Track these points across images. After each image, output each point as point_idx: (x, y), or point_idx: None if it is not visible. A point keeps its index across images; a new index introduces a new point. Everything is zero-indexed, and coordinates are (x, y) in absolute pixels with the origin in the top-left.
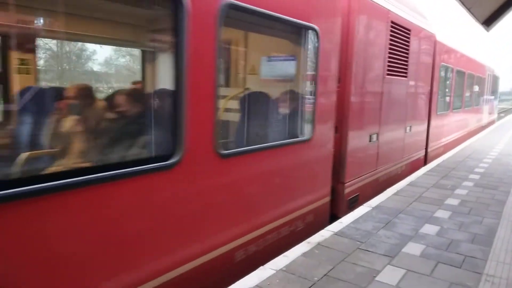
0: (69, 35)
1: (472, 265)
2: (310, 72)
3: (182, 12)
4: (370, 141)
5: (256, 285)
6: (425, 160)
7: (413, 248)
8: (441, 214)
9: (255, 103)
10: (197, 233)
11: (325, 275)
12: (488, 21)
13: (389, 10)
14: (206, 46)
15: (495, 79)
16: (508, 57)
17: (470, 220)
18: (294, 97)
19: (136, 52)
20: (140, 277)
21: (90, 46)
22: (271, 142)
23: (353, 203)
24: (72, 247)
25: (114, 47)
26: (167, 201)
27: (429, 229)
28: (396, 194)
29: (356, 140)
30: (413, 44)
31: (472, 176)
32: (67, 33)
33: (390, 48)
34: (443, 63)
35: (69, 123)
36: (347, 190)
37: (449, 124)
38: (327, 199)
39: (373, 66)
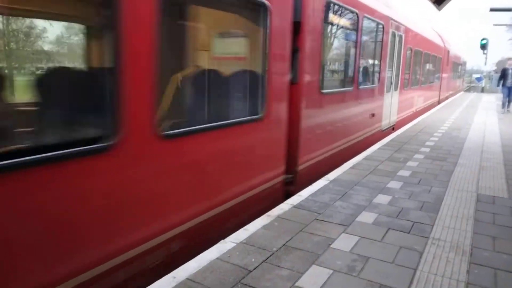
0: None
1: (420, 230)
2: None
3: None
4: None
5: (217, 258)
6: (439, 102)
7: (367, 217)
8: (394, 185)
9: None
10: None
11: (283, 245)
12: (439, 0)
13: (444, 46)
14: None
15: (464, 63)
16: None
17: (420, 189)
18: (435, 69)
19: None
20: None
21: None
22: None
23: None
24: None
25: None
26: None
27: (382, 199)
28: (352, 167)
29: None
30: (445, 55)
31: (423, 149)
32: None
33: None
34: (453, 61)
35: None
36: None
37: (447, 86)
38: (437, 101)
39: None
